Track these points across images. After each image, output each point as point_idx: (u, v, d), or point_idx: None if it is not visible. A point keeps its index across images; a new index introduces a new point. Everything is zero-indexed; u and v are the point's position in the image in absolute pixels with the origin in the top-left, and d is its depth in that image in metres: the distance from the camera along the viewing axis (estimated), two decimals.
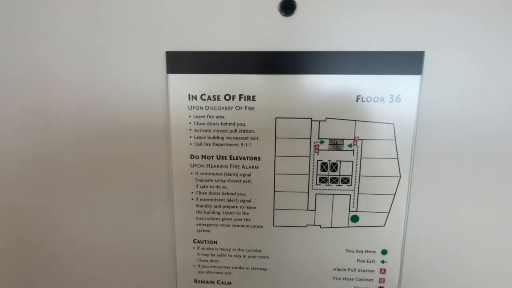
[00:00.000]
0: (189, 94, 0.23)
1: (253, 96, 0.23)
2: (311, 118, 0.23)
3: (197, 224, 0.25)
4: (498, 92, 0.22)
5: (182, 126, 0.23)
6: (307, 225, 0.24)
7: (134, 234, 0.25)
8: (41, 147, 0.25)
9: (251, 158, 0.23)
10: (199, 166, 0.24)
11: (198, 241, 0.25)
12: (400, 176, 0.23)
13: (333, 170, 0.24)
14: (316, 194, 0.24)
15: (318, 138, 0.23)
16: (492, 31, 0.21)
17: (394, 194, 0.24)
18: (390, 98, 0.22)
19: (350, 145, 0.23)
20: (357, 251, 0.25)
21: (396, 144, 0.23)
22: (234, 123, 0.23)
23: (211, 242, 0.25)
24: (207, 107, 0.23)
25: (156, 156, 0.24)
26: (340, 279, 0.25)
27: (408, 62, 0.22)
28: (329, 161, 0.23)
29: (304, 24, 0.22)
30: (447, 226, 0.24)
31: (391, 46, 0.22)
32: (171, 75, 0.23)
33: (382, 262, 0.25)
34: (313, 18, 0.22)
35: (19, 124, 0.24)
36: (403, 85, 0.22)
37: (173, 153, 0.24)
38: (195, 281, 0.26)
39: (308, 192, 0.24)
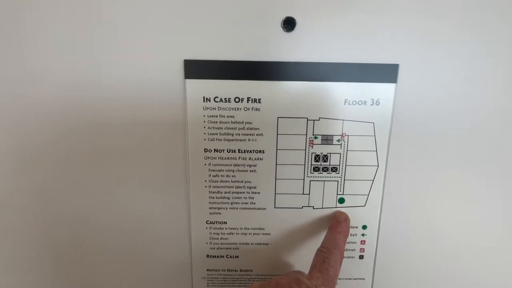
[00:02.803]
0: (204, 97, 0.26)
1: (259, 99, 0.26)
2: (307, 118, 0.27)
3: (209, 208, 0.28)
4: (462, 96, 0.26)
5: (198, 124, 0.26)
6: (302, 206, 0.28)
7: (154, 217, 0.29)
8: (69, 138, 0.27)
9: (257, 151, 0.27)
10: (212, 158, 0.27)
11: (210, 222, 0.29)
12: (378, 165, 0.28)
13: (325, 161, 0.28)
14: (310, 180, 0.28)
15: (313, 134, 0.27)
16: (456, 45, 0.25)
17: (373, 180, 0.28)
18: (371, 101, 0.26)
19: (338, 140, 0.27)
20: None
21: (375, 139, 0.27)
22: (243, 121, 0.26)
23: (221, 222, 0.29)
24: (219, 108, 0.26)
25: (175, 149, 0.27)
26: None
27: (386, 73, 0.26)
28: (321, 153, 0.27)
29: (302, 39, 0.25)
30: (415, 205, 0.29)
31: (373, 59, 0.26)
32: (188, 80, 0.26)
33: (363, 235, 0.29)
34: (310, 34, 0.25)
35: (45, 117, 0.26)
36: (382, 91, 0.26)
37: (190, 147, 0.27)
38: (208, 256, 0.29)
39: (303, 179, 0.28)
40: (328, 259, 0.23)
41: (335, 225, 0.27)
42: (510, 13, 0.25)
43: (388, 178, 0.28)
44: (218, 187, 0.28)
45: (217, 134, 0.27)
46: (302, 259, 0.29)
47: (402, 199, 0.29)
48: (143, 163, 0.27)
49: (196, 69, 0.25)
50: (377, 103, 0.26)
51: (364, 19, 0.25)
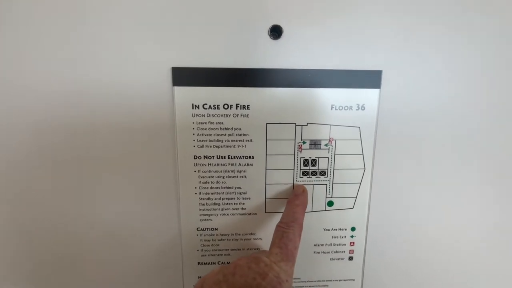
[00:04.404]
0: (192, 104, 0.26)
1: (247, 105, 0.26)
2: (295, 123, 0.27)
3: (200, 215, 0.28)
4: (445, 100, 0.27)
5: (187, 131, 0.26)
6: None
7: (144, 225, 0.28)
8: (58, 145, 0.26)
9: (246, 157, 0.27)
10: (201, 165, 0.27)
11: (201, 229, 0.28)
12: (364, 168, 0.28)
13: (313, 165, 0.28)
14: None
15: (301, 139, 0.27)
16: (438, 50, 0.26)
17: (360, 183, 0.29)
18: (356, 106, 0.27)
19: (326, 145, 0.28)
20: (332, 229, 0.29)
21: (361, 143, 0.28)
22: (232, 128, 0.26)
23: (212, 229, 0.28)
24: (208, 115, 0.26)
25: (164, 157, 0.26)
26: (319, 253, 0.30)
27: (370, 79, 0.26)
28: (310, 158, 0.28)
29: (289, 46, 0.25)
30: (402, 206, 0.29)
31: (358, 66, 0.26)
32: (176, 88, 0.25)
33: (352, 237, 0.30)
34: (296, 42, 0.25)
35: (33, 126, 0.26)
36: (367, 97, 0.27)
37: (179, 154, 0.26)
38: (199, 263, 0.29)
39: (293, 184, 0.28)
40: (286, 233, 0.23)
41: (293, 198, 0.27)
42: (492, 17, 0.26)
43: (375, 181, 0.29)
44: (208, 193, 0.27)
45: (206, 140, 0.26)
46: None
47: (389, 201, 0.29)
48: (132, 171, 0.27)
49: (184, 76, 0.25)
50: (363, 108, 0.27)
51: (348, 27, 0.25)
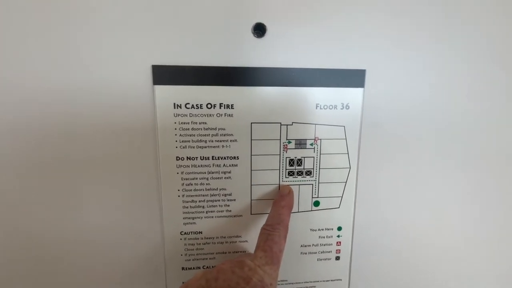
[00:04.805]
0: (174, 103, 0.25)
1: (231, 105, 0.25)
2: (280, 123, 0.26)
3: (183, 218, 0.27)
4: (427, 98, 0.28)
5: (169, 132, 0.25)
6: None
7: (125, 231, 0.27)
8: (34, 147, 0.24)
9: (231, 158, 0.26)
10: (184, 166, 0.26)
11: (185, 232, 0.27)
12: (350, 167, 0.28)
13: (299, 165, 0.28)
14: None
15: (286, 139, 0.27)
16: (420, 50, 0.27)
17: (346, 182, 0.28)
18: (341, 106, 0.27)
19: (311, 144, 0.27)
20: (318, 229, 0.29)
21: (346, 142, 0.28)
22: (216, 128, 0.26)
23: (196, 233, 0.27)
24: (191, 115, 0.25)
25: (145, 158, 0.25)
26: (306, 253, 0.29)
27: (354, 78, 0.26)
28: (295, 157, 0.27)
29: (273, 45, 0.25)
30: (387, 205, 0.29)
31: (342, 65, 0.26)
32: (157, 86, 0.24)
33: (338, 236, 0.29)
34: (280, 40, 0.25)
35: (7, 127, 0.24)
36: (351, 96, 0.27)
37: (161, 155, 0.25)
38: (183, 268, 0.28)
39: (279, 184, 0.28)
40: (271, 236, 0.23)
41: (279, 199, 0.26)
42: (471, 19, 0.27)
43: (360, 180, 0.29)
44: (192, 196, 0.27)
45: (189, 141, 0.25)
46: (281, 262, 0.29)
47: (374, 200, 0.29)
48: (111, 174, 0.25)
49: (165, 75, 0.24)
50: (347, 107, 0.27)
51: (332, 26, 0.25)
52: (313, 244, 0.29)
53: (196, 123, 0.25)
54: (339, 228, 0.29)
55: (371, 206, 0.29)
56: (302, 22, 0.25)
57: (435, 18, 0.26)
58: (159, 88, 0.24)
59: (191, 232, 0.27)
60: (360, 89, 0.27)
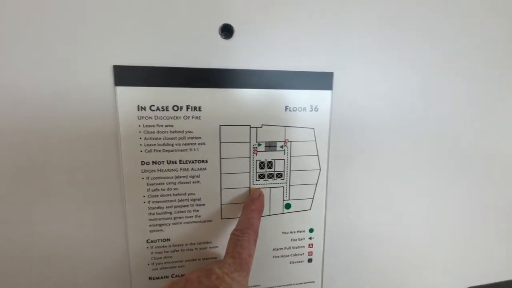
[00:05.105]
0: (138, 105, 0.24)
1: (199, 107, 0.25)
2: (250, 125, 0.26)
3: (150, 225, 0.26)
4: (394, 100, 0.28)
5: (132, 135, 0.24)
6: None
7: (86, 240, 0.25)
8: None
9: (199, 162, 0.26)
10: (150, 171, 0.25)
11: (152, 241, 0.26)
12: (320, 169, 0.28)
13: (269, 168, 0.27)
14: (256, 188, 0.27)
15: (256, 142, 0.26)
16: (386, 53, 0.27)
17: (316, 183, 0.29)
18: (310, 108, 0.27)
19: (281, 147, 0.27)
20: (290, 232, 0.29)
21: (316, 144, 0.28)
22: (183, 131, 0.25)
23: (164, 240, 0.26)
24: (156, 117, 0.24)
25: (107, 163, 0.24)
26: (278, 257, 0.29)
27: (322, 80, 0.27)
28: (266, 160, 0.27)
29: (241, 46, 0.25)
30: (356, 205, 0.30)
31: (310, 68, 0.26)
32: (119, 88, 0.23)
33: (310, 238, 0.29)
34: (249, 42, 0.25)
35: None
36: (319, 98, 0.27)
37: (124, 160, 0.24)
38: (150, 278, 0.27)
39: (249, 187, 0.27)
40: (240, 241, 0.22)
41: (249, 203, 0.26)
42: (442, 20, 0.28)
43: (330, 181, 0.29)
44: (158, 202, 0.25)
45: (155, 145, 0.24)
46: (253, 267, 0.28)
47: (345, 201, 0.30)
48: (71, 180, 0.24)
49: (128, 75, 0.23)
50: (316, 109, 0.27)
51: (301, 29, 0.25)
52: (285, 247, 0.29)
53: (162, 126, 0.24)
54: (311, 230, 0.29)
55: (342, 207, 0.30)
56: (270, 24, 0.25)
57: (402, 21, 0.27)
58: (121, 90, 0.23)
59: (158, 239, 0.26)
60: (328, 92, 0.27)
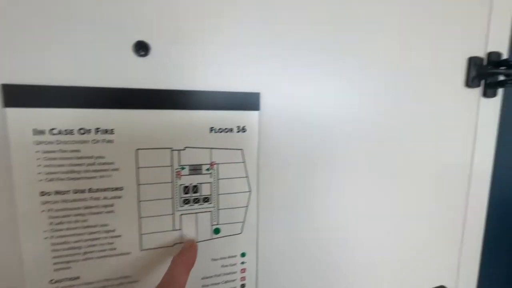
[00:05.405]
0: (34, 129, 0.21)
1: (111, 130, 0.22)
2: (171, 148, 0.24)
3: (54, 263, 0.22)
4: (320, 118, 0.29)
5: (28, 163, 0.21)
6: (174, 244, 0.26)
7: None
8: None
9: (113, 189, 0.23)
10: (52, 202, 0.22)
11: (56, 280, 0.23)
12: (250, 191, 0.27)
13: (195, 192, 0.26)
14: (181, 215, 0.26)
15: (179, 165, 0.25)
16: (311, 72, 0.28)
17: (247, 206, 0.28)
18: (237, 129, 0.26)
19: (208, 169, 0.26)
20: (221, 258, 0.27)
21: (245, 165, 0.27)
22: (92, 156, 0.22)
23: (72, 278, 0.23)
24: (58, 142, 0.21)
25: None
26: (208, 285, 0.27)
27: (248, 101, 0.26)
28: (191, 184, 0.25)
29: (160, 65, 0.23)
30: (290, 225, 0.29)
31: (236, 88, 0.26)
32: (9, 109, 0.20)
33: (242, 263, 0.28)
34: (169, 60, 0.23)
35: None
36: (247, 119, 0.26)
37: (18, 192, 0.21)
38: None
39: (173, 214, 0.25)
40: None
41: (176, 257, 0.24)
42: (364, 37, 0.29)
43: (261, 202, 0.28)
44: (64, 236, 0.22)
45: (57, 173, 0.22)
46: None
47: (277, 221, 0.29)
48: None
49: (21, 95, 0.20)
50: (243, 130, 0.26)
51: (226, 47, 0.25)
52: (215, 275, 0.27)
53: (66, 151, 0.22)
54: (243, 254, 0.28)
55: (274, 228, 0.29)
56: (191, 42, 0.24)
57: (327, 39, 0.28)
58: (12, 111, 0.20)
59: (65, 278, 0.23)
60: (255, 112, 0.26)
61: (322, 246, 0.31)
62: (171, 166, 0.24)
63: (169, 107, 0.24)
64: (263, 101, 0.27)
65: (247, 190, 0.27)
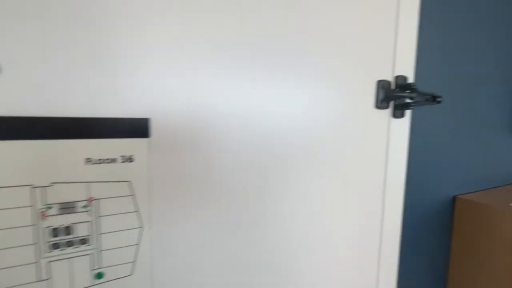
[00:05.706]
0: None
1: None
2: (32, 185, 0.21)
3: None
4: (220, 145, 0.27)
5: None
6: None
7: None
8: None
9: None
10: None
11: None
12: (141, 226, 0.25)
13: (68, 234, 0.22)
14: (48, 262, 0.22)
15: (44, 205, 0.21)
16: (203, 99, 0.26)
17: (138, 244, 0.25)
18: (122, 159, 0.23)
19: (85, 206, 0.22)
20: None
21: (134, 199, 0.24)
22: None
23: None
24: None
25: None
26: None
27: (136, 127, 0.23)
28: (61, 225, 0.22)
29: (14, 86, 0.19)
30: (192, 261, 0.27)
31: (119, 113, 0.23)
32: None
33: None
34: (25, 81, 0.20)
35: None
36: (134, 147, 0.23)
37: None
38: None
39: (38, 262, 0.21)
40: None
41: None
42: (299, 45, 0.28)
43: (157, 238, 0.25)
44: None
45: None
46: None
47: (176, 258, 0.26)
48: None
49: None
50: (130, 160, 0.23)
51: (104, 67, 0.22)
52: None
53: None
54: None
55: (173, 265, 0.26)
56: (52, 60, 0.20)
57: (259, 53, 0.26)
58: None
59: None
60: (145, 140, 0.24)
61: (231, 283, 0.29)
62: (31, 206, 0.21)
63: (28, 137, 0.20)
64: (155, 127, 0.24)
65: (138, 226, 0.24)
